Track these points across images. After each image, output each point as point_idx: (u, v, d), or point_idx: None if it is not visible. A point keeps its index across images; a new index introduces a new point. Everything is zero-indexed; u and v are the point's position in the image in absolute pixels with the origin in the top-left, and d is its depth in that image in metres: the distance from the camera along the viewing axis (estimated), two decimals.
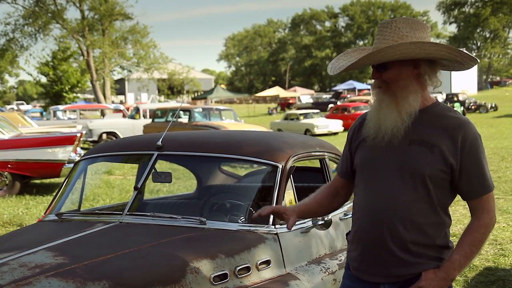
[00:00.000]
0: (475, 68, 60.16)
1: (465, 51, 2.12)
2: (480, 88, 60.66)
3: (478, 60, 2.17)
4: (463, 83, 51.57)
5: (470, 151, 2.05)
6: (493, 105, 34.58)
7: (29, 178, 10.33)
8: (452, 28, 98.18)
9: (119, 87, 65.43)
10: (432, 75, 2.10)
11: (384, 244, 2.09)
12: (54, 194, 3.64)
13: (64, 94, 32.31)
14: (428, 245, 2.09)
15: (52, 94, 32.63)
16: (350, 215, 3.74)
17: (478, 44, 78.07)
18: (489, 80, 73.56)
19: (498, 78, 78.70)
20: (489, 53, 75.60)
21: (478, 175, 2.08)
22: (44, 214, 3.49)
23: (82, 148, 14.09)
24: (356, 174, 2.25)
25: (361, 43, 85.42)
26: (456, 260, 2.06)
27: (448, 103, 32.94)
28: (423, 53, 2.02)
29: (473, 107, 34.82)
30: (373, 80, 2.17)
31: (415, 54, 2.02)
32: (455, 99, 35.03)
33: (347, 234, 2.37)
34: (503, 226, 6.77)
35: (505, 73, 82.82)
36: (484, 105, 34.44)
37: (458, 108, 32.10)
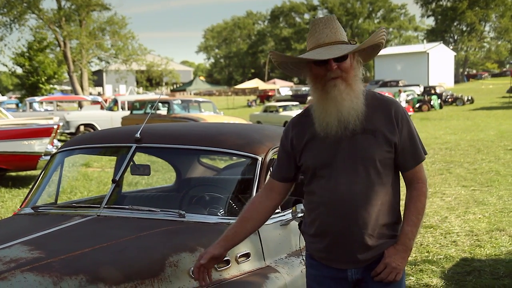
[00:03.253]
0: (452, 61, 60.89)
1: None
2: (456, 81, 61.41)
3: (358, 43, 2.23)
4: (440, 76, 52.16)
5: (402, 126, 2.22)
6: (470, 98, 35.03)
7: (5, 171, 10.18)
8: (430, 21, 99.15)
9: (97, 79, 64.71)
10: (360, 67, 2.24)
11: (350, 233, 2.19)
12: (30, 187, 3.58)
13: (41, 85, 31.83)
14: (386, 225, 2.24)
15: (28, 86, 32.12)
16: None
17: (455, 37, 78.88)
18: (465, 73, 74.45)
19: (474, 71, 79.76)
20: (466, 46, 76.47)
21: (411, 147, 2.25)
22: (20, 207, 3.43)
23: (59, 140, 13.91)
24: (306, 173, 2.32)
25: None
26: (408, 231, 2.23)
27: (426, 96, 33.33)
28: (370, 42, 2.21)
29: (450, 100, 35.22)
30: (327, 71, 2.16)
31: (366, 44, 2.20)
32: (432, 91, 35.40)
33: (299, 226, 2.50)
34: (479, 218, 6.87)
35: (481, 66, 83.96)
36: (460, 98, 34.87)
37: (435, 100, 32.47)
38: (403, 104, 26.63)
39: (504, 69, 72.33)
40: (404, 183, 2.34)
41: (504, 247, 5.71)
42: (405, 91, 34.15)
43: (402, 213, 2.34)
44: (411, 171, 2.27)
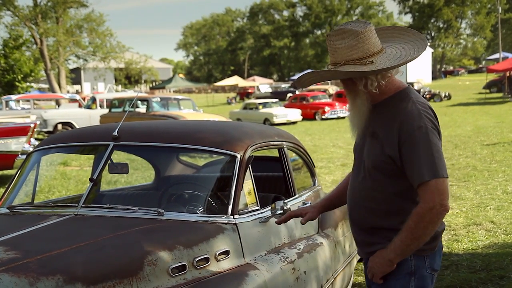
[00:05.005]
0: (429, 58, 61.50)
1: (346, 68, 2.26)
2: (434, 78, 62.11)
3: (380, 70, 2.26)
4: (418, 72, 52.63)
5: (404, 142, 2.18)
6: (447, 94, 35.42)
7: None
8: (408, 18, 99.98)
9: (75, 77, 64.03)
10: (368, 80, 2.26)
11: (354, 226, 2.46)
12: (6, 186, 3.53)
13: (17, 83, 31.35)
14: (382, 228, 2.31)
15: (4, 84, 31.60)
16: (309, 204, 3.79)
17: (432, 34, 79.68)
18: (442, 69, 75.29)
19: (451, 68, 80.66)
20: (443, 43, 77.28)
21: (412, 166, 2.17)
22: None
23: (36, 139, 13.73)
24: None
25: (318, 32, 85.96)
26: (393, 243, 2.24)
27: None
28: (323, 79, 2.41)
29: (427, 96, 35.56)
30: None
31: (321, 80, 2.41)
32: None
33: None
34: (457, 212, 6.96)
35: (458, 63, 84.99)
36: (438, 94, 35.24)
37: None
38: None
39: (480, 66, 73.34)
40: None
41: (480, 241, 5.80)
42: None
43: None
44: (417, 189, 2.18)
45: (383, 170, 2.24)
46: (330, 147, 15.47)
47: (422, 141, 2.15)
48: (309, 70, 2.60)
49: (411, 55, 2.26)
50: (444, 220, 2.26)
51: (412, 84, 37.52)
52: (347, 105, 2.49)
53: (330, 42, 2.28)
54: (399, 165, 2.20)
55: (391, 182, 2.24)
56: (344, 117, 27.05)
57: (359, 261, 4.84)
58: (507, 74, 31.40)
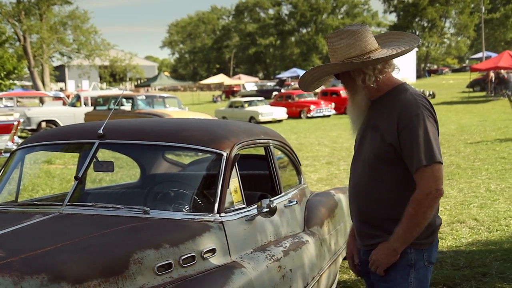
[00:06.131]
0: (414, 57, 61.85)
1: (353, 60, 2.37)
2: (418, 76, 62.49)
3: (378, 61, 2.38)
4: (403, 71, 52.45)
5: (403, 129, 2.28)
6: (431, 93, 35.65)
7: None
8: (392, 17, 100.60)
9: (59, 74, 63.40)
10: (366, 75, 2.38)
11: (356, 219, 2.52)
12: None
13: (0, 81, 31.02)
14: (384, 218, 2.38)
15: None
16: (295, 202, 3.80)
17: (417, 33, 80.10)
18: (427, 68, 75.80)
19: (435, 67, 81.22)
20: (427, 42, 77.82)
21: (410, 152, 2.27)
22: None
23: (19, 137, 13.60)
24: None
25: (304, 31, 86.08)
26: (396, 232, 2.32)
27: None
28: (325, 73, 2.48)
29: None
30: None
31: (320, 76, 2.48)
32: None
33: None
34: (441, 210, 7.02)
35: (442, 62, 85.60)
36: (422, 93, 35.15)
37: None
38: None
39: (464, 65, 73.90)
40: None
41: (464, 238, 5.86)
42: None
43: None
44: (413, 175, 2.29)
45: (384, 159, 2.33)
46: (316, 145, 15.51)
47: (420, 127, 2.27)
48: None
49: (404, 49, 2.39)
50: (427, 208, 2.30)
51: None
52: (348, 103, 2.55)
53: (330, 44, 2.41)
54: (399, 152, 2.30)
55: (392, 170, 2.34)
56: (329, 116, 27.16)
57: (344, 259, 4.87)
58: (490, 73, 31.71)
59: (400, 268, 2.37)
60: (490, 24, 73.41)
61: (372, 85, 2.39)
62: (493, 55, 33.20)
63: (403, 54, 2.40)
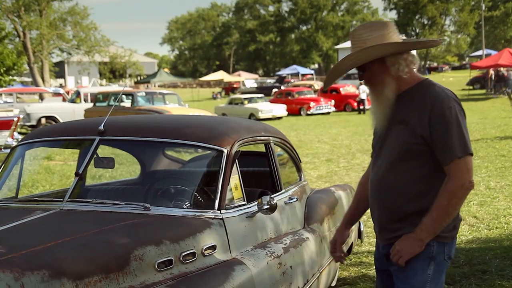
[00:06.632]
0: (414, 54, 61.75)
1: (410, 39, 2.46)
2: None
3: (439, 41, 2.54)
4: None
5: (436, 122, 2.29)
6: None
7: None
8: (392, 15, 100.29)
9: (59, 70, 63.24)
10: (399, 64, 2.39)
11: (377, 212, 2.51)
12: None
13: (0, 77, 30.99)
14: (409, 211, 2.39)
15: None
16: (295, 199, 3.80)
17: (417, 30, 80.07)
18: (427, 66, 75.76)
19: (435, 64, 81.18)
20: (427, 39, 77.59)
21: (443, 144, 2.29)
22: None
23: (19, 133, 13.60)
24: None
25: (304, 28, 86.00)
26: (424, 223, 2.33)
27: None
28: (370, 56, 2.37)
29: None
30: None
31: (364, 59, 2.37)
32: None
33: None
34: None
35: (442, 59, 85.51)
36: None
37: None
38: (363, 97, 26.95)
39: (464, 62, 73.84)
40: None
41: (464, 236, 5.86)
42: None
43: None
44: (446, 167, 2.32)
45: (412, 152, 2.34)
46: (315, 142, 15.51)
47: (453, 120, 2.30)
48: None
49: (433, 42, 2.54)
50: (460, 199, 2.33)
51: None
52: (372, 98, 2.51)
53: (358, 35, 2.41)
54: (429, 145, 2.31)
55: (419, 164, 2.35)
56: (329, 113, 27.14)
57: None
58: (490, 71, 31.70)
59: (421, 259, 2.38)
60: (490, 22, 73.34)
61: (404, 76, 2.40)
62: (493, 53, 33.17)
63: (435, 45, 2.56)
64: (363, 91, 27.27)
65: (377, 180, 2.49)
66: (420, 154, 2.34)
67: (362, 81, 2.54)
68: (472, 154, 2.32)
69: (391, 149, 2.42)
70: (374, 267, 2.75)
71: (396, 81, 2.41)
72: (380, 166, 2.48)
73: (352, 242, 4.95)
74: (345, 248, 3.30)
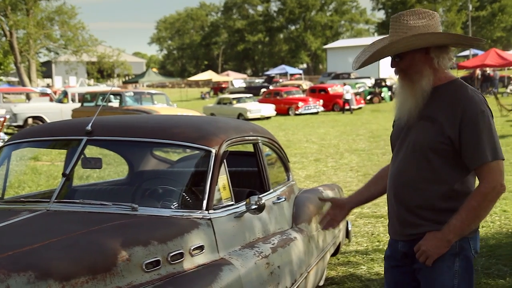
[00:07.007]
0: None
1: (465, 34, 2.33)
2: None
3: (483, 40, 2.48)
4: (391, 68, 53.03)
5: (467, 124, 2.27)
6: None
7: None
8: (381, 15, 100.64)
9: (46, 70, 62.76)
10: (442, 58, 2.36)
11: (397, 207, 2.46)
12: None
13: None
14: (431, 209, 2.36)
15: None
16: (283, 199, 3.81)
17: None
18: None
19: None
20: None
21: (474, 147, 2.28)
22: None
23: (6, 133, 13.49)
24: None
25: (292, 27, 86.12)
26: (452, 224, 2.30)
27: (377, 88, 33.94)
28: (425, 42, 2.31)
29: None
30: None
31: (418, 44, 2.31)
32: (383, 84, 36.05)
33: None
34: None
35: None
36: None
37: (385, 93, 33.11)
38: (348, 97, 27.05)
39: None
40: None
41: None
42: (355, 84, 34.64)
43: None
44: (476, 170, 2.32)
45: (437, 150, 2.32)
46: (304, 142, 15.54)
47: (485, 124, 2.29)
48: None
49: (478, 40, 2.45)
50: (490, 202, 2.32)
51: (384, 80, 37.87)
52: (404, 89, 2.42)
53: (402, 21, 2.35)
54: (456, 147, 2.31)
55: (443, 162, 2.33)
56: (317, 113, 27.19)
57: (332, 255, 4.90)
58: (477, 71, 31.95)
59: (446, 257, 2.37)
60: (477, 22, 73.95)
61: (445, 70, 2.39)
62: (480, 53, 33.42)
63: (478, 44, 2.49)
64: (347, 91, 27.39)
65: (397, 174, 2.46)
66: (443, 153, 2.33)
67: (394, 69, 2.44)
68: (503, 159, 2.31)
69: (414, 144, 2.38)
70: (383, 265, 2.70)
71: (434, 73, 2.37)
72: (401, 161, 2.44)
73: (340, 242, 4.97)
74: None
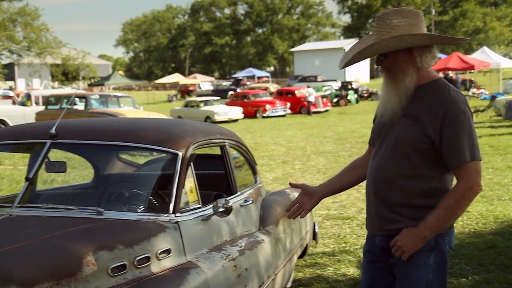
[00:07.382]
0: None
1: (445, 35, 2.44)
2: (372, 76, 63.55)
3: (466, 39, 2.53)
4: (357, 71, 53.78)
5: (448, 125, 2.32)
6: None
7: None
8: (346, 18, 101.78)
9: (8, 72, 61.51)
10: (425, 56, 2.39)
11: (375, 203, 2.51)
12: None
13: None
14: (409, 205, 2.42)
15: None
16: (250, 202, 3.82)
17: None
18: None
19: None
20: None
21: (454, 147, 2.32)
22: None
23: None
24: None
25: (260, 30, 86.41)
26: (429, 220, 2.36)
27: (343, 91, 34.31)
28: (405, 44, 2.34)
29: (365, 95, 36.47)
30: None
31: (398, 46, 2.33)
32: (349, 86, 36.49)
33: None
34: None
35: None
36: (375, 93, 36.15)
37: (352, 95, 33.51)
38: (311, 99, 27.29)
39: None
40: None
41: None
42: (322, 87, 34.93)
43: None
44: (454, 170, 2.37)
45: (419, 150, 2.37)
46: (271, 144, 15.60)
47: (465, 125, 2.33)
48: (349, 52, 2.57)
49: (460, 40, 2.52)
50: (468, 201, 2.38)
51: (350, 82, 38.31)
52: (387, 87, 2.46)
53: (386, 20, 2.38)
54: (436, 146, 2.35)
55: (424, 161, 2.38)
56: (284, 115, 27.33)
57: (299, 257, 4.93)
58: (440, 74, 32.56)
59: (422, 252, 2.41)
60: (440, 26, 75.37)
61: (428, 69, 2.42)
62: (443, 56, 34.11)
63: (461, 42, 2.55)
64: (310, 94, 27.64)
65: (377, 170, 2.49)
66: (424, 152, 2.37)
67: (379, 67, 2.45)
68: (481, 160, 2.36)
69: (396, 141, 2.42)
70: (362, 259, 2.74)
71: (417, 72, 2.41)
72: (381, 157, 2.48)
73: (307, 244, 5.00)
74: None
